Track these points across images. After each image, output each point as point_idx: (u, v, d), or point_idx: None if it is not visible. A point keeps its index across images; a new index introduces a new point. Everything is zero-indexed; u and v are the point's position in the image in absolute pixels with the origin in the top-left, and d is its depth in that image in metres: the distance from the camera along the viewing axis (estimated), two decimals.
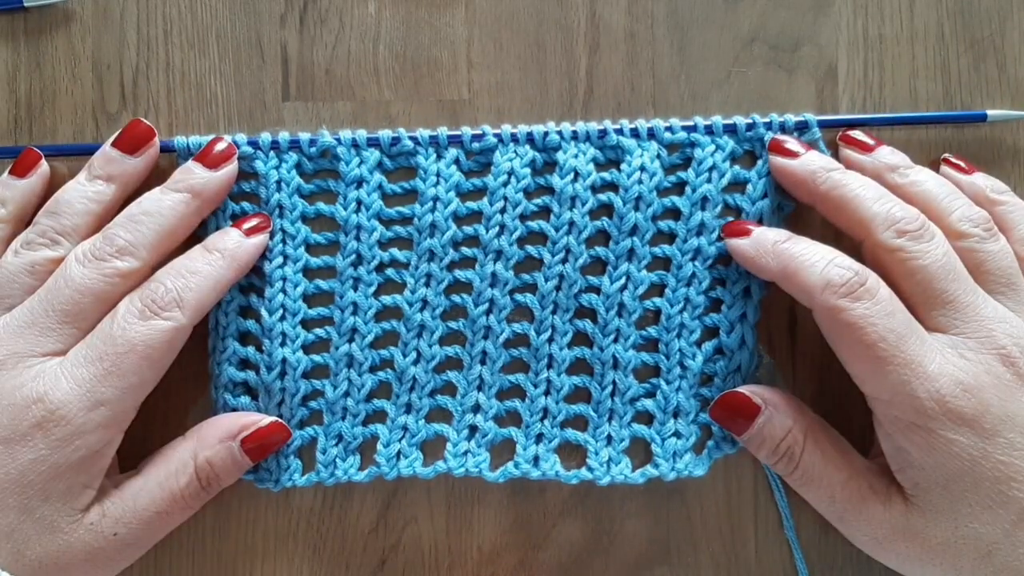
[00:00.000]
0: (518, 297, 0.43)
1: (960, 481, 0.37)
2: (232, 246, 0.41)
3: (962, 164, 0.44)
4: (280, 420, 0.43)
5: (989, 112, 0.44)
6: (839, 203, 0.40)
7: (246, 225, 0.42)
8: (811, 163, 0.41)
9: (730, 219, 0.43)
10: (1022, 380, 0.38)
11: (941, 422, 0.37)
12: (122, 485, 0.40)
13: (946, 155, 0.44)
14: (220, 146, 0.42)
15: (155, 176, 0.44)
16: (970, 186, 0.43)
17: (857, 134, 0.43)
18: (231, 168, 0.42)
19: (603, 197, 0.43)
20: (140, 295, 0.39)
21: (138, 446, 0.43)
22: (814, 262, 0.39)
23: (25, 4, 0.44)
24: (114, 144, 0.42)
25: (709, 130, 0.43)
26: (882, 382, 0.38)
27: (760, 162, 0.43)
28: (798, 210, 0.44)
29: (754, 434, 0.41)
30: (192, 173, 0.42)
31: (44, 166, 0.43)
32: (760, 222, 0.43)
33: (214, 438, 0.41)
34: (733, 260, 0.43)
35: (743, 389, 0.42)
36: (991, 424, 0.37)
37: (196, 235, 0.43)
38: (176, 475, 0.40)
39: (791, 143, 0.42)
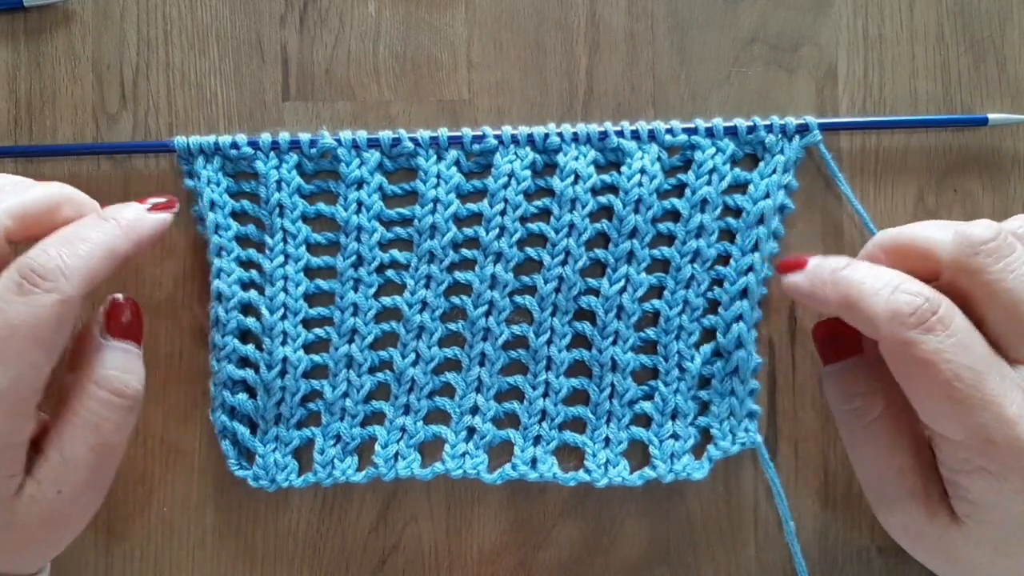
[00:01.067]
0: (517, 299, 0.43)
1: (1016, 520, 0.35)
2: (130, 216, 0.38)
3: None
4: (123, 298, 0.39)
5: (990, 116, 0.44)
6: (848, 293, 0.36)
7: (149, 201, 0.39)
8: (813, 274, 0.38)
9: (723, 249, 0.42)
10: None
11: (1016, 472, 0.34)
12: (42, 447, 0.37)
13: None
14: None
15: (156, 179, 0.44)
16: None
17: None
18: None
19: (603, 199, 0.43)
20: (17, 266, 0.34)
21: (138, 445, 0.43)
22: (878, 289, 0.35)
23: (25, 4, 0.44)
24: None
25: (710, 132, 0.43)
26: (955, 424, 0.34)
27: (762, 164, 0.43)
28: (798, 211, 0.44)
29: (836, 371, 0.39)
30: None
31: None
32: (761, 222, 0.43)
33: (92, 350, 0.38)
34: (731, 260, 0.43)
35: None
36: None
37: (200, 256, 0.43)
38: (78, 402, 0.37)
39: (798, 257, 0.39)
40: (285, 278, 0.43)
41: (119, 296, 0.39)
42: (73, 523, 0.38)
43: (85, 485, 0.37)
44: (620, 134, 0.43)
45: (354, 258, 0.43)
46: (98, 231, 0.36)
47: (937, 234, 0.36)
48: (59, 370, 0.37)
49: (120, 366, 0.37)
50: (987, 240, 0.35)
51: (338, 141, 0.43)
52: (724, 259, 0.43)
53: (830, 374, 0.40)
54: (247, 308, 0.44)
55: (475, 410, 0.44)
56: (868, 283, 0.35)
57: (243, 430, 0.43)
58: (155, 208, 0.39)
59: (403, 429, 0.44)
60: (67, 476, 0.36)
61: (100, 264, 0.35)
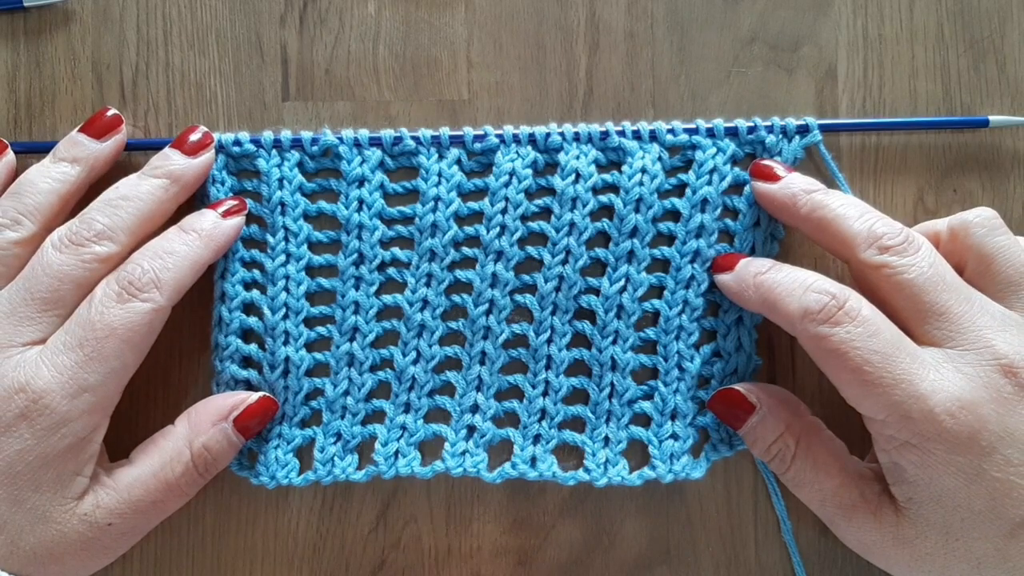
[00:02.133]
0: (518, 298, 0.43)
1: (953, 497, 0.37)
2: (208, 226, 0.41)
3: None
4: (267, 394, 0.43)
5: (991, 118, 0.44)
6: (820, 224, 0.40)
7: (222, 208, 0.42)
8: (792, 185, 0.41)
9: (723, 249, 0.43)
10: (1023, 391, 0.37)
11: (936, 442, 0.36)
12: (115, 475, 0.40)
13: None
14: (195, 135, 0.42)
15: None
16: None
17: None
18: (208, 156, 0.42)
19: (604, 199, 0.43)
20: (116, 277, 0.39)
21: (138, 444, 0.43)
22: (791, 290, 0.38)
23: (25, 4, 0.44)
24: (81, 130, 0.42)
25: (710, 132, 0.43)
26: (873, 404, 0.37)
27: None
28: None
29: (747, 432, 0.42)
30: (170, 159, 0.41)
31: (10, 155, 0.43)
32: (758, 224, 0.43)
33: (207, 423, 0.41)
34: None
35: (740, 387, 0.42)
36: (988, 441, 0.36)
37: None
38: (171, 464, 0.40)
39: (774, 166, 0.42)
40: (287, 277, 0.43)
41: (264, 402, 0.42)
42: (103, 559, 0.40)
43: (130, 529, 0.40)
44: (621, 133, 0.43)
45: (355, 256, 0.43)
46: (183, 245, 0.40)
47: (855, 226, 0.39)
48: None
49: (221, 452, 0.41)
50: (893, 244, 0.38)
51: (340, 139, 0.43)
52: None
53: (745, 435, 0.42)
54: (249, 307, 0.44)
55: (475, 409, 0.44)
56: (784, 286, 0.39)
57: None
58: (228, 213, 0.42)
59: (403, 427, 0.44)
60: (124, 514, 0.39)
61: (187, 275, 0.40)
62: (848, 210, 0.39)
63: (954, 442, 0.36)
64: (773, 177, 0.41)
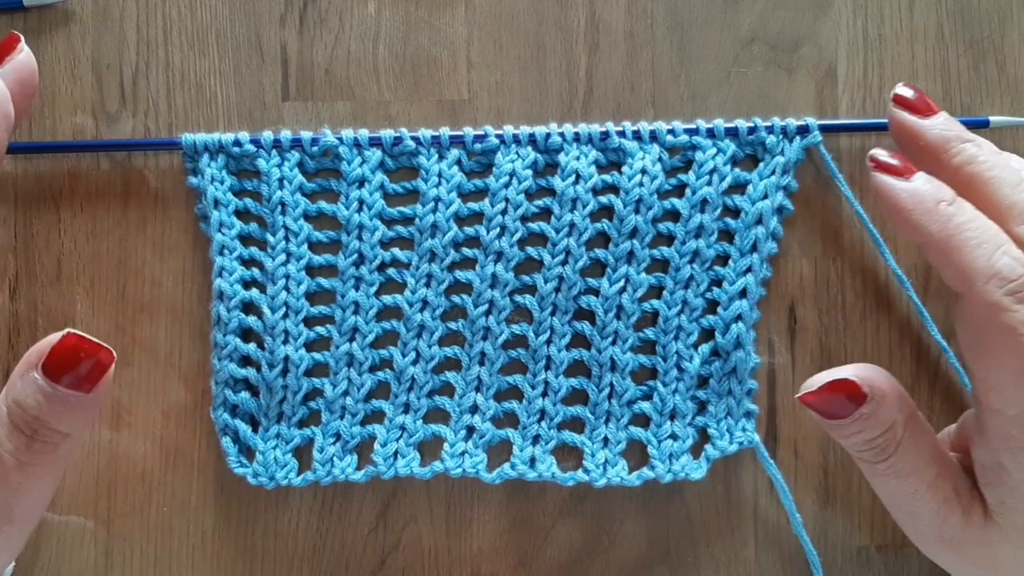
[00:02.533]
0: (517, 298, 0.43)
1: None
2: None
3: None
4: (73, 331, 0.35)
5: (992, 119, 0.44)
6: (971, 182, 0.35)
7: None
8: (947, 129, 0.36)
9: (722, 249, 0.42)
10: None
11: None
12: None
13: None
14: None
15: (156, 178, 0.44)
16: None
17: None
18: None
19: (604, 199, 0.43)
20: None
21: (139, 443, 0.43)
22: (983, 240, 0.33)
23: (25, 4, 0.44)
24: None
25: (711, 133, 0.43)
26: (1017, 396, 0.33)
27: (762, 164, 0.43)
28: (798, 212, 0.44)
29: (848, 424, 0.36)
30: None
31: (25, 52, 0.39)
32: (759, 223, 0.43)
33: (15, 376, 0.35)
34: (730, 261, 0.43)
35: (849, 374, 0.36)
36: None
37: (201, 254, 0.43)
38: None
39: (929, 100, 0.37)
40: (287, 276, 0.43)
41: (70, 339, 0.35)
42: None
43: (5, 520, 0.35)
44: (621, 134, 0.43)
45: (355, 256, 0.43)
46: None
47: (1009, 195, 0.34)
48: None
49: (40, 407, 0.35)
50: None
51: (340, 139, 0.43)
52: (723, 259, 0.43)
53: (839, 427, 0.37)
54: (248, 306, 0.44)
55: (474, 409, 0.44)
56: (972, 232, 0.33)
57: (244, 428, 0.43)
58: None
59: (403, 428, 0.44)
60: None
61: None
62: (1005, 173, 0.35)
63: None
64: (928, 110, 0.36)
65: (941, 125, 0.36)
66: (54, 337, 0.35)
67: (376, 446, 0.43)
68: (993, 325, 0.33)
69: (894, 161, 0.35)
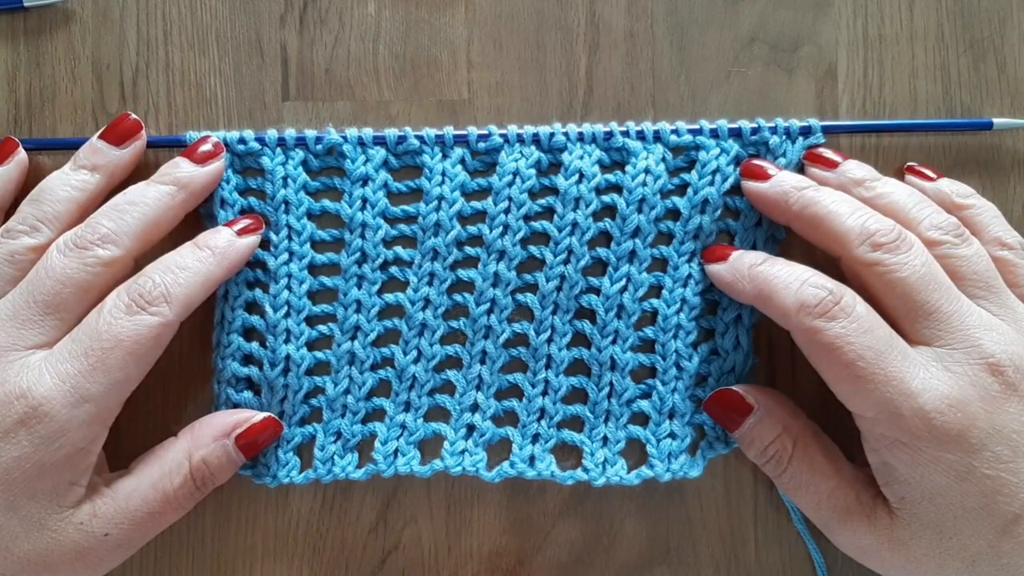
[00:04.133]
0: (519, 297, 0.43)
1: (945, 495, 0.37)
2: (223, 244, 0.41)
3: (927, 172, 0.43)
4: (272, 416, 0.43)
5: (995, 120, 0.44)
6: (813, 221, 0.40)
7: (238, 226, 0.42)
8: (782, 183, 0.41)
9: (712, 244, 0.43)
10: (1011, 389, 0.37)
11: (926, 440, 0.37)
12: (114, 485, 0.40)
13: (911, 164, 0.44)
14: (206, 146, 0.42)
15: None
16: (936, 193, 0.42)
17: (823, 152, 0.43)
18: (218, 165, 0.42)
19: (606, 199, 0.43)
20: (127, 289, 0.38)
21: (138, 443, 0.43)
22: (788, 283, 0.38)
23: (25, 4, 0.44)
24: (101, 136, 0.42)
25: (714, 133, 0.43)
26: (864, 400, 0.37)
27: None
28: None
29: (744, 433, 0.42)
30: (179, 167, 0.41)
31: (22, 154, 0.42)
32: (759, 224, 0.43)
33: (208, 437, 0.41)
34: None
35: (738, 388, 0.42)
36: (977, 439, 0.36)
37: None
38: (170, 476, 0.40)
39: (764, 165, 0.42)
40: (289, 275, 0.43)
41: (268, 422, 0.42)
42: (96, 571, 0.40)
43: (125, 541, 0.40)
44: (625, 134, 0.43)
45: (358, 255, 0.43)
46: (197, 261, 0.40)
47: (848, 222, 0.39)
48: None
49: (220, 467, 0.41)
50: (886, 241, 0.38)
51: (344, 137, 0.43)
52: None
53: (741, 437, 0.42)
54: (250, 306, 0.44)
55: (475, 408, 0.44)
56: (780, 278, 0.39)
57: None
58: (243, 232, 0.42)
59: (403, 426, 0.44)
60: (120, 524, 0.39)
61: (197, 292, 0.40)
62: (840, 206, 0.39)
63: (943, 440, 0.36)
64: (764, 176, 0.42)
65: (777, 182, 0.41)
66: (250, 414, 0.42)
67: (376, 444, 0.43)
68: (818, 347, 0.38)
69: (714, 250, 0.42)
